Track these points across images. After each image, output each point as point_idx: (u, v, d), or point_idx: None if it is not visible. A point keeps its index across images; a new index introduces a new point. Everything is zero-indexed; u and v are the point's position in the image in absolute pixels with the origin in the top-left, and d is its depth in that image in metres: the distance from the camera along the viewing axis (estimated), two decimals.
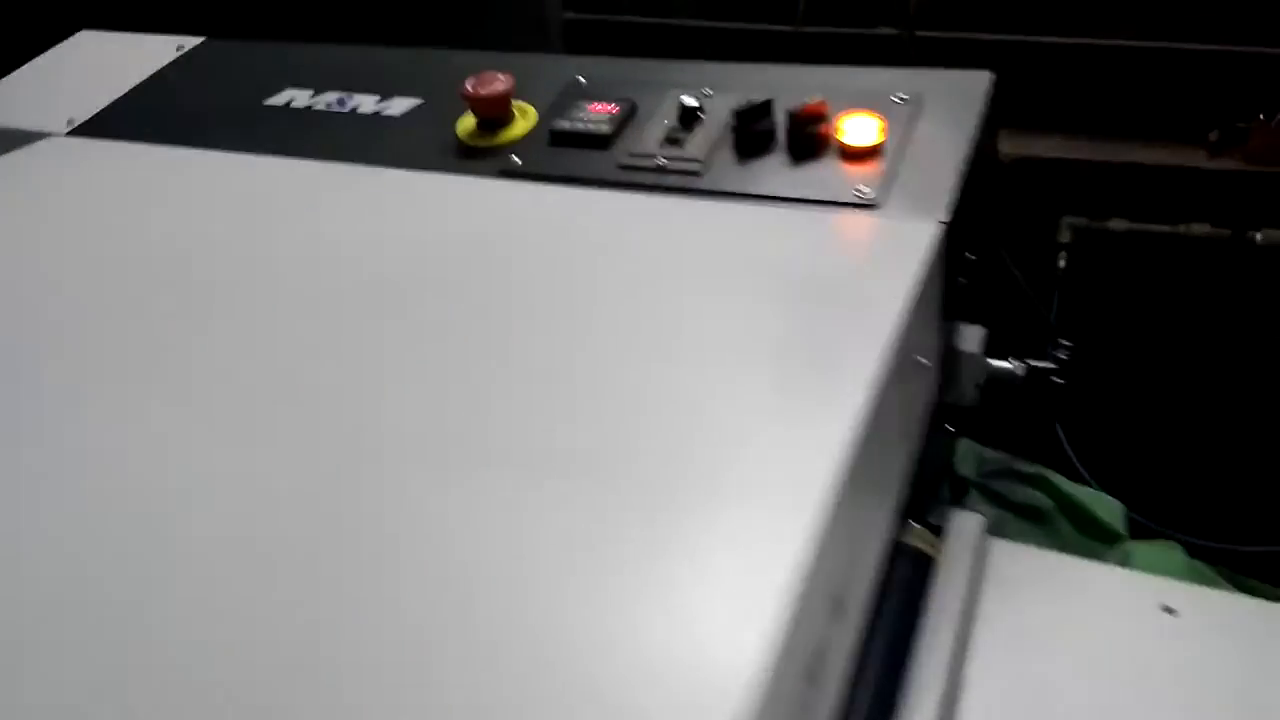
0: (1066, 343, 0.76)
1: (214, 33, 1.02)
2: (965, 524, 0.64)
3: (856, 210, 0.65)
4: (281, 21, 1.87)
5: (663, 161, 0.71)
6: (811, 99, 0.69)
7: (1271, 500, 1.47)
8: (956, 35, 1.53)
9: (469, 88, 0.77)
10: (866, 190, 0.65)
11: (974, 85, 0.73)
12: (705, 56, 1.58)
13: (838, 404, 0.46)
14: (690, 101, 0.74)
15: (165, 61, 0.99)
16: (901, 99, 0.73)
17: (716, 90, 0.77)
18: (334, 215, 0.72)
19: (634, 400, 0.50)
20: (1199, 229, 1.48)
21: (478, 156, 0.77)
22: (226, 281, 0.65)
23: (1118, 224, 1.51)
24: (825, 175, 0.68)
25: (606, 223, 0.68)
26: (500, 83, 0.77)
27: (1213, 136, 1.47)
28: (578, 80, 0.82)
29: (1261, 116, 1.44)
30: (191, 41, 1.01)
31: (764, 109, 0.71)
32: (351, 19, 1.82)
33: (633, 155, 0.73)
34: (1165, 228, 1.50)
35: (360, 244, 0.68)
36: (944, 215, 0.63)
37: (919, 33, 1.54)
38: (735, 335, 0.53)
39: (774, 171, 0.69)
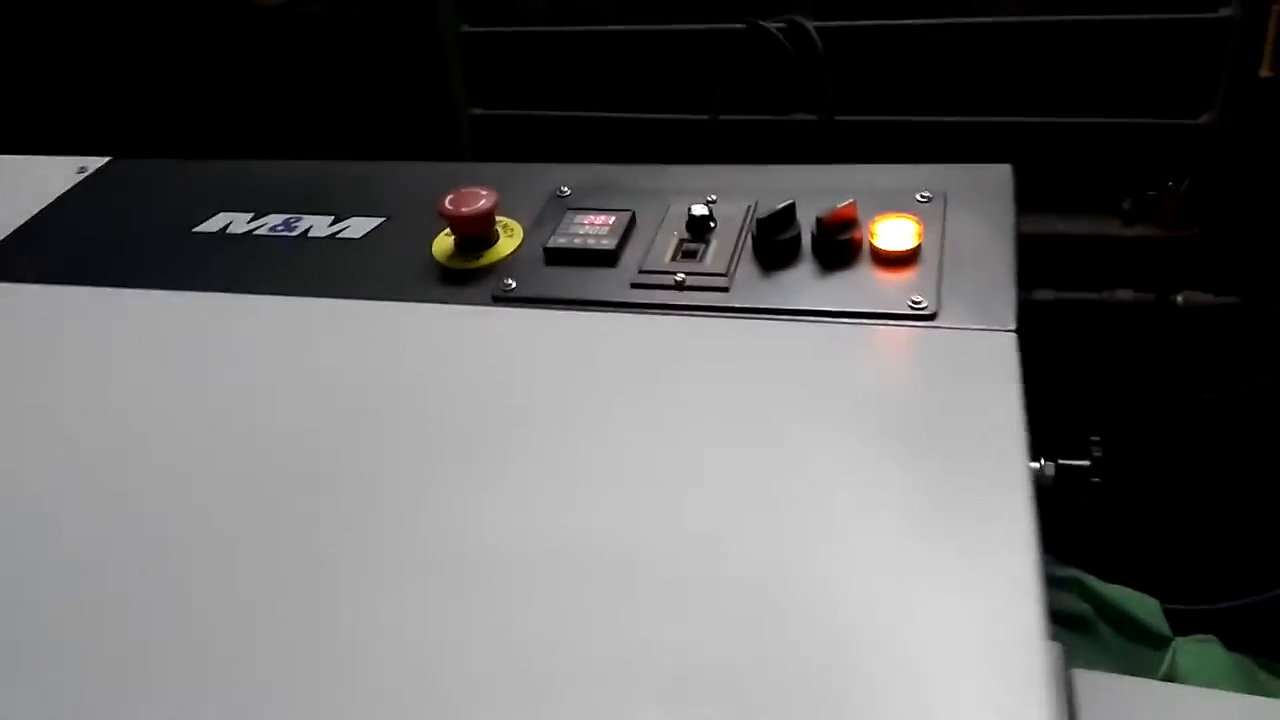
0: (1097, 438, 0.72)
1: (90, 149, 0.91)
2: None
3: (914, 323, 0.59)
4: (149, 133, 1.75)
5: (681, 277, 0.64)
6: (841, 204, 0.63)
7: (1211, 551, 1.48)
8: (875, 118, 1.53)
9: (448, 205, 0.69)
10: (921, 301, 0.60)
11: (997, 179, 0.69)
12: (621, 148, 1.53)
13: (1014, 570, 0.40)
14: (700, 210, 0.67)
15: (66, 186, 0.87)
16: (925, 198, 0.68)
17: (717, 195, 0.71)
18: (320, 361, 0.62)
19: (764, 587, 0.41)
20: (1123, 295, 1.50)
21: (464, 281, 0.68)
22: (205, 452, 0.54)
23: (1044, 294, 1.52)
24: (866, 285, 0.62)
25: (640, 350, 0.60)
26: (483, 198, 0.69)
27: (1126, 206, 1.50)
28: (560, 190, 0.75)
29: (1170, 184, 1.48)
30: (94, 162, 0.90)
31: (788, 215, 0.65)
32: (245, 128, 1.71)
33: (645, 272, 0.65)
34: (1091, 295, 1.51)
35: (362, 392, 0.58)
36: (1011, 322, 0.57)
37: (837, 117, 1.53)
38: (852, 482, 0.46)
39: (808, 283, 0.63)
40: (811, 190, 0.70)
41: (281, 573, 0.47)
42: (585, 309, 0.64)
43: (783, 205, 0.64)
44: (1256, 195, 1.45)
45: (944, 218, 0.66)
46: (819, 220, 0.64)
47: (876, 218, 0.64)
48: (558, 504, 0.49)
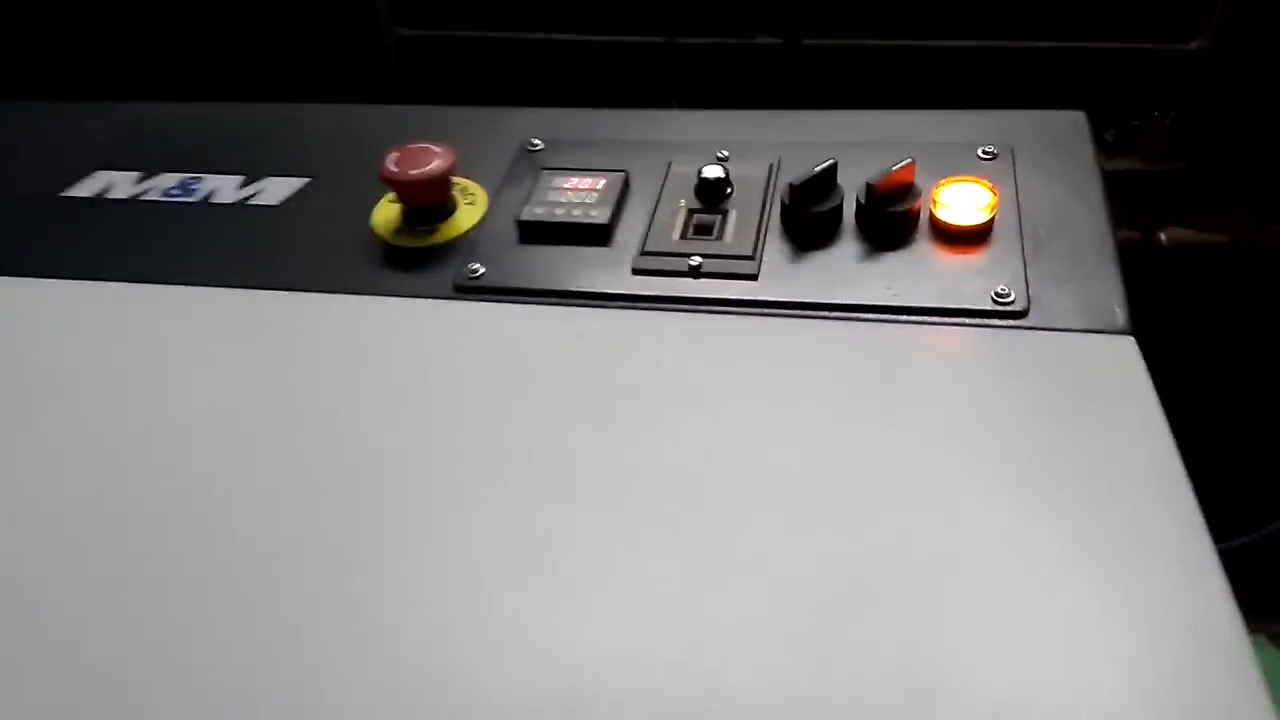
0: None
1: None
2: None
3: (1000, 322, 0.46)
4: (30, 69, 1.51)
5: (697, 261, 0.50)
6: (896, 164, 0.50)
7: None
8: (845, 42, 1.38)
9: (392, 167, 0.53)
10: (1006, 293, 0.47)
11: (1071, 129, 0.56)
12: (565, 73, 1.35)
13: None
14: (714, 172, 0.53)
15: None
16: (988, 154, 0.54)
17: (728, 150, 0.57)
18: (227, 375, 0.47)
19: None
20: None
21: (415, 264, 0.53)
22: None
23: None
24: (930, 271, 0.48)
25: (651, 360, 0.46)
26: (436, 158, 0.53)
27: (1109, 137, 1.39)
28: (531, 143, 0.60)
29: (1156, 114, 1.37)
30: None
31: (828, 180, 0.51)
32: (125, 61, 1.48)
33: (649, 254, 0.51)
34: None
35: (285, 422, 0.43)
36: (1122, 321, 0.45)
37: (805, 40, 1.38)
38: (989, 552, 0.34)
39: (856, 269, 0.49)
40: (840, 143, 0.56)
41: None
42: (575, 303, 0.50)
43: (822, 166, 0.50)
44: (1249, 125, 1.35)
45: (1015, 181, 0.53)
46: (870, 187, 0.50)
47: (940, 182, 0.51)
48: (564, 614, 0.35)
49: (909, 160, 0.50)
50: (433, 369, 0.47)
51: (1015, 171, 0.53)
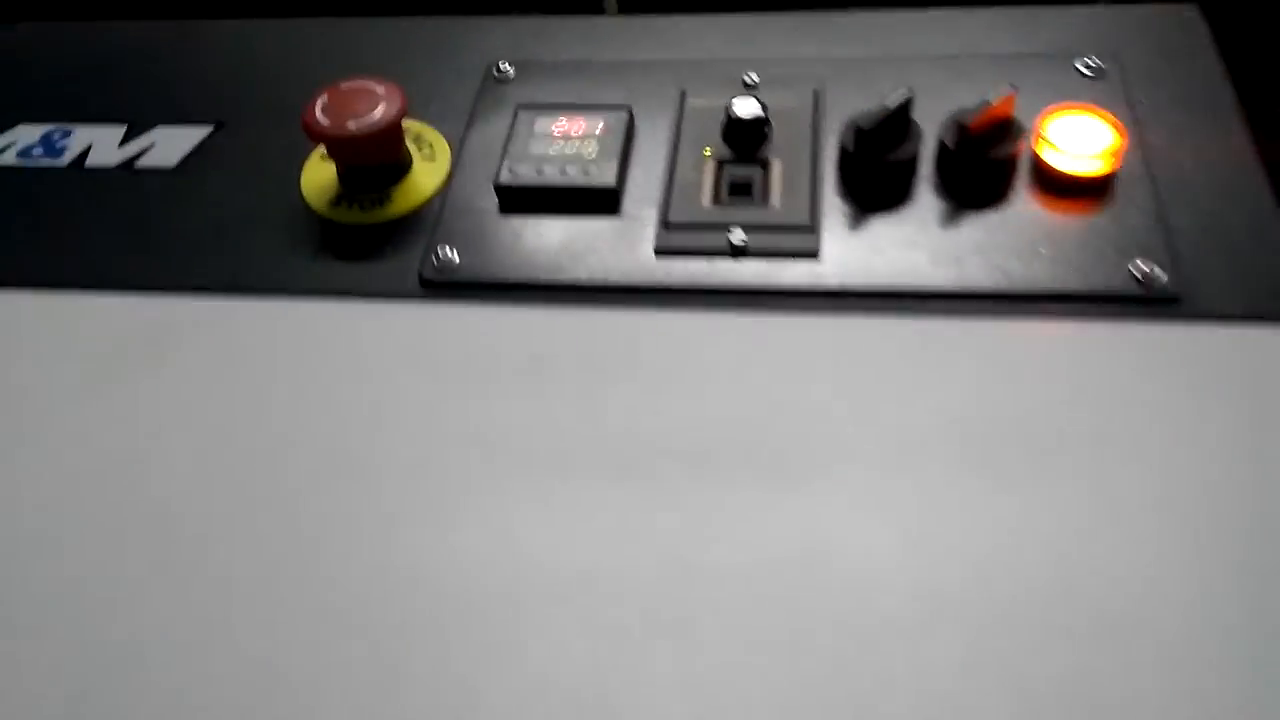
0: None
1: None
2: None
3: (1149, 311, 0.35)
4: None
5: (741, 238, 0.38)
6: (995, 95, 0.37)
7: None
8: None
9: (320, 117, 0.39)
10: (1152, 271, 0.36)
11: (1186, 29, 0.44)
12: None
13: None
14: (749, 109, 0.40)
15: None
16: (1091, 69, 0.42)
17: (747, 72, 0.44)
18: (110, 428, 0.34)
19: None
20: None
21: (365, 247, 0.40)
22: None
23: None
24: (1043, 238, 0.37)
25: (696, 379, 0.34)
26: (381, 101, 0.40)
27: None
28: (498, 69, 0.46)
29: None
30: None
31: (902, 120, 0.39)
32: None
33: (674, 227, 0.39)
34: None
35: (203, 491, 0.32)
36: None
37: None
38: None
39: (945, 237, 0.37)
40: (897, 58, 0.44)
41: None
42: (584, 300, 0.37)
43: (896, 100, 0.38)
44: None
45: (1130, 106, 0.41)
46: (960, 127, 0.38)
47: (1044, 113, 0.39)
48: None
49: (1010, 89, 0.38)
50: (401, 403, 0.35)
51: (1128, 94, 0.41)
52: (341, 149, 0.40)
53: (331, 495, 0.33)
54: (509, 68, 0.46)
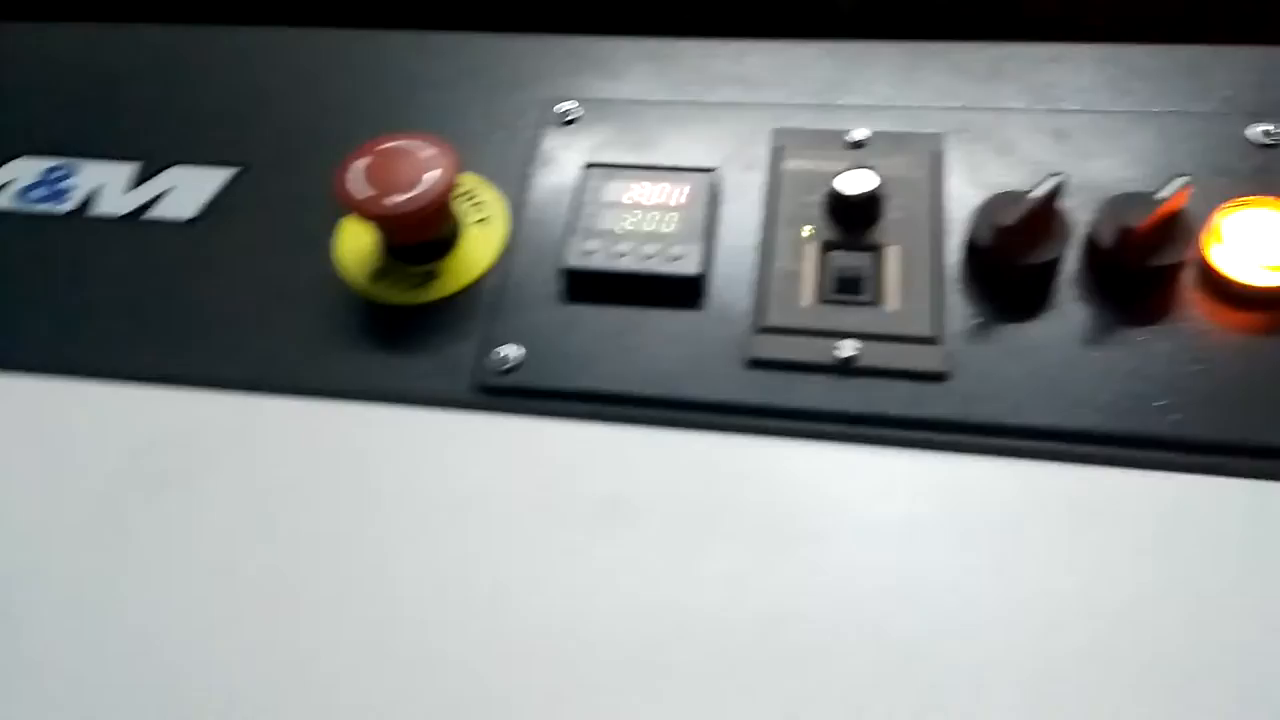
0: None
1: None
2: None
3: None
4: None
5: (851, 350, 0.31)
6: (1165, 188, 0.30)
7: None
8: None
9: (360, 188, 0.33)
10: None
11: None
12: None
13: None
14: (861, 184, 0.33)
15: None
16: (1273, 137, 0.35)
17: (863, 125, 0.37)
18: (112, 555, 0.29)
19: None
20: None
21: (410, 333, 0.34)
22: None
23: None
24: (1221, 368, 0.30)
25: (817, 541, 0.28)
26: (429, 165, 0.33)
27: None
28: (562, 112, 0.39)
29: None
30: None
31: (1047, 211, 0.32)
32: None
33: (770, 331, 0.32)
34: None
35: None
36: None
37: None
38: None
39: (1098, 359, 0.31)
40: (1021, 108, 0.37)
41: None
42: (664, 417, 0.31)
43: (1044, 188, 0.31)
44: None
45: None
46: (1125, 230, 0.31)
47: (1219, 209, 0.32)
48: None
49: (1184, 181, 0.30)
50: (465, 543, 0.29)
51: None
52: (383, 225, 0.34)
53: (356, 656, 0.27)
54: (575, 107, 0.39)
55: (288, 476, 0.31)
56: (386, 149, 0.34)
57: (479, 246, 0.36)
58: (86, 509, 0.31)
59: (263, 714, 0.27)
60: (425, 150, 0.34)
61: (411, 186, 0.33)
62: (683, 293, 0.33)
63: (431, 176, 0.33)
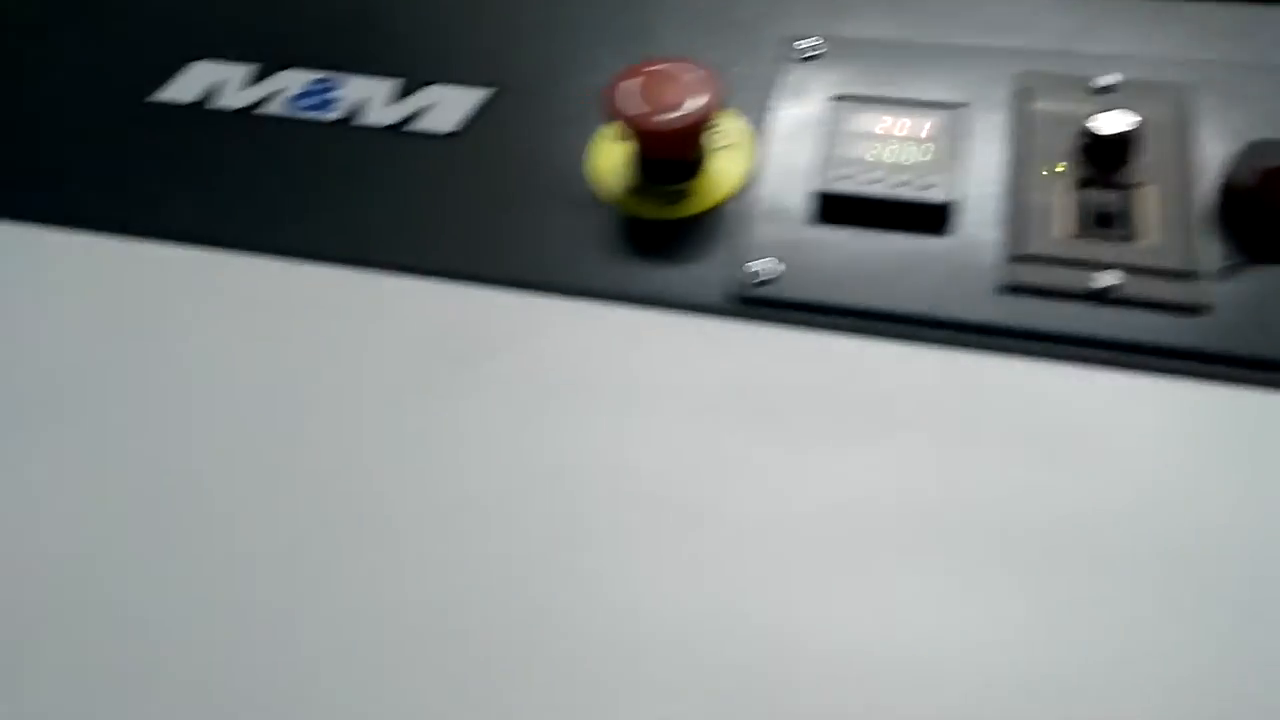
0: None
1: None
2: None
3: None
4: None
5: (1110, 280, 0.32)
6: None
7: None
8: None
9: (633, 103, 0.35)
10: None
11: None
12: None
13: None
14: (1119, 123, 0.34)
15: None
16: None
17: (1100, 72, 0.37)
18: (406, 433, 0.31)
19: None
20: None
21: (664, 246, 0.36)
22: None
23: None
24: None
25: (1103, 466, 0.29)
26: (693, 90, 0.35)
27: None
28: (800, 47, 0.40)
29: None
30: None
31: None
32: None
33: (1024, 260, 0.33)
34: None
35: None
36: None
37: None
38: None
39: None
40: (1269, 63, 0.37)
41: None
42: (917, 334, 0.33)
43: None
44: None
45: None
46: None
47: None
48: None
49: None
50: (732, 436, 0.31)
51: None
52: (649, 140, 0.35)
53: (623, 535, 0.29)
54: (816, 44, 0.40)
55: (559, 370, 0.33)
56: (655, 71, 0.35)
57: (725, 171, 0.37)
58: (387, 388, 0.34)
59: (574, 590, 0.29)
60: (691, 74, 0.35)
61: (679, 106, 0.35)
62: (933, 219, 0.34)
63: (698, 98, 0.35)
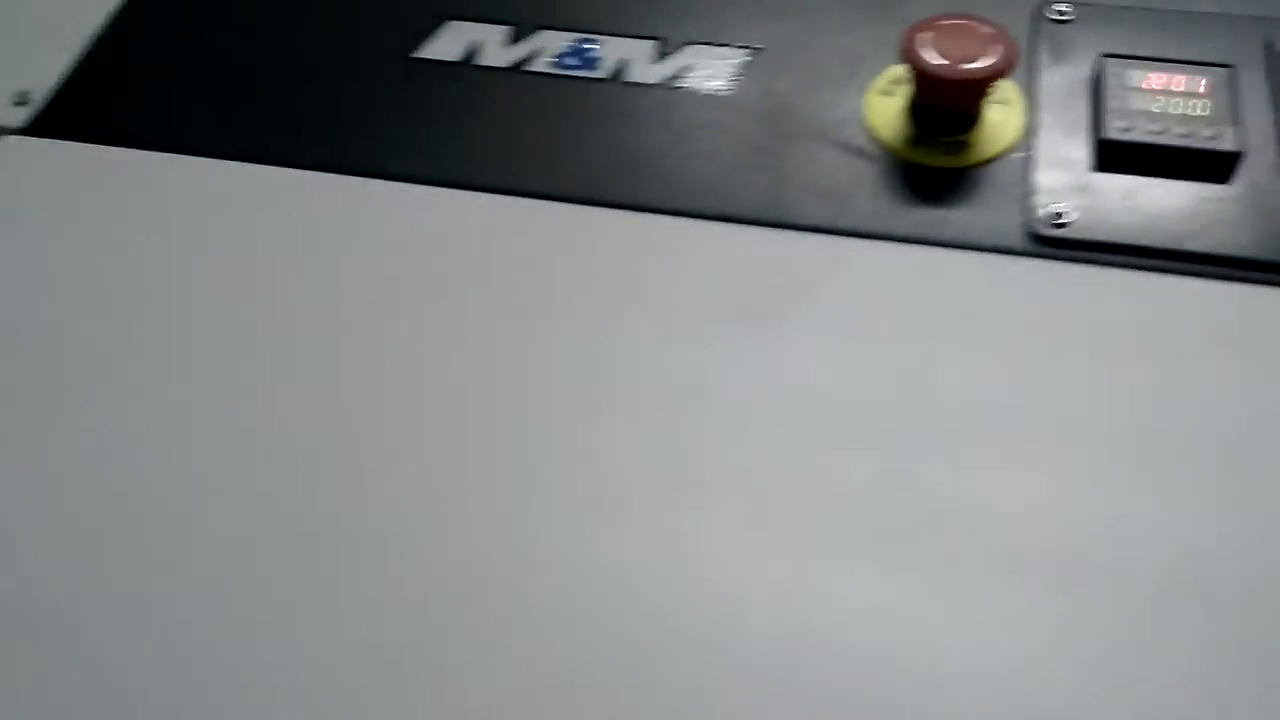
0: None
1: None
2: None
3: None
4: None
5: None
6: None
7: None
8: None
9: (931, 53, 0.37)
10: None
11: None
12: None
13: None
14: None
15: None
16: None
17: None
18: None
19: None
20: None
21: (950, 193, 0.38)
22: None
23: None
24: None
25: None
26: (989, 45, 0.37)
27: None
28: (1055, 11, 0.42)
29: None
30: None
31: None
32: None
33: None
34: None
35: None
36: None
37: None
38: None
39: None
40: None
41: None
42: (1216, 274, 0.35)
43: None
44: None
45: None
46: None
47: None
48: None
49: None
50: (1052, 370, 0.33)
51: None
52: (945, 91, 0.37)
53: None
54: (1068, 9, 0.42)
55: (874, 309, 0.35)
56: (949, 25, 0.37)
57: (1003, 125, 0.39)
58: (690, 327, 0.35)
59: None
60: (979, 27, 0.37)
61: (975, 59, 0.37)
62: (1221, 168, 0.36)
63: (994, 52, 0.37)
